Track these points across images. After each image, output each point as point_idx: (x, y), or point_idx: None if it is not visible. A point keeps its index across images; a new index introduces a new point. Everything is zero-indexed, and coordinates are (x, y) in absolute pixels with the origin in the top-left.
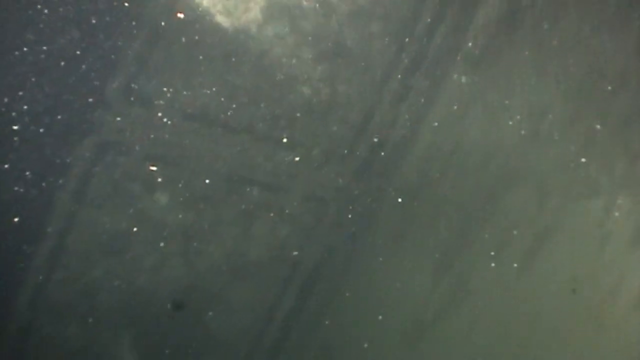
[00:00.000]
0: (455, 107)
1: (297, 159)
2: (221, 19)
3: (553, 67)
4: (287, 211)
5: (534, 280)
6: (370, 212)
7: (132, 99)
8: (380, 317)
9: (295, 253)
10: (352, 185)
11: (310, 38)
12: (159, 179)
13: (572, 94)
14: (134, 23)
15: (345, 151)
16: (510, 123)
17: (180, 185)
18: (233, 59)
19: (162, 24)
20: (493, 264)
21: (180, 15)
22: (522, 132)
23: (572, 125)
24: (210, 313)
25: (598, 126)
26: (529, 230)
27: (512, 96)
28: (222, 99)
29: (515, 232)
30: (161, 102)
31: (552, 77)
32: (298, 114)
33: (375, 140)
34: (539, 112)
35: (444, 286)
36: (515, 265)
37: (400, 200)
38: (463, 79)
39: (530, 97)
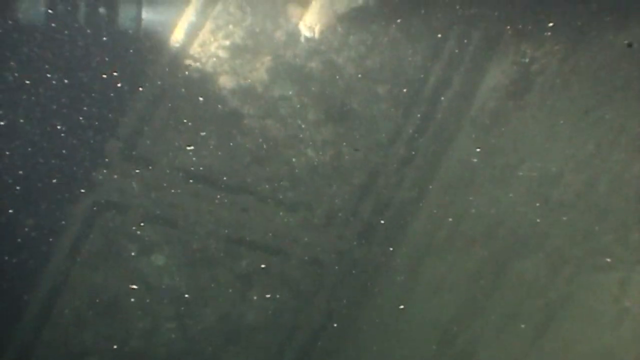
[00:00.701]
0: (463, 172)
1: (298, 221)
2: (226, 79)
3: (565, 133)
4: (286, 274)
5: (545, 356)
6: (372, 278)
7: (132, 158)
8: None
9: (293, 318)
10: (354, 250)
11: (315, 100)
12: (156, 240)
13: (585, 161)
14: (138, 82)
15: (348, 214)
16: (521, 189)
17: (177, 246)
18: (237, 119)
19: (166, 83)
20: (501, 337)
21: (185, 75)
22: (533, 198)
23: (585, 193)
24: None
25: (613, 194)
26: (540, 302)
27: (523, 162)
28: (225, 159)
29: (525, 304)
30: (163, 162)
31: (564, 143)
32: (301, 176)
33: (380, 202)
34: (551, 179)
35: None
36: (525, 339)
37: (403, 266)
38: (471, 144)
39: (542, 163)
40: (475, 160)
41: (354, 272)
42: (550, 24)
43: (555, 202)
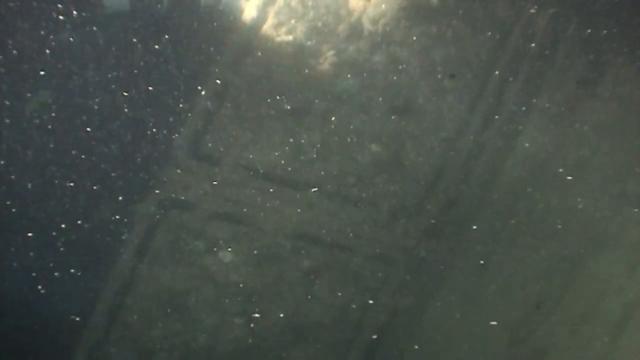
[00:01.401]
0: (532, 166)
1: (363, 217)
2: (290, 75)
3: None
4: (352, 271)
5: (622, 358)
6: (439, 274)
7: (198, 155)
8: None
9: (359, 315)
10: (420, 246)
11: (380, 94)
12: (224, 237)
13: None
14: (200, 79)
15: (414, 210)
16: (596, 183)
17: (244, 243)
18: (301, 115)
19: (230, 80)
20: (575, 338)
21: (249, 71)
22: (610, 192)
23: None
24: None
25: None
26: (618, 301)
27: (595, 153)
28: (290, 156)
29: (601, 303)
30: (228, 159)
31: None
32: (366, 171)
33: (446, 198)
34: (627, 172)
35: (520, 359)
36: (601, 340)
37: (473, 262)
38: (538, 136)
39: (616, 157)
40: (545, 153)
41: (419, 269)
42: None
43: (633, 196)
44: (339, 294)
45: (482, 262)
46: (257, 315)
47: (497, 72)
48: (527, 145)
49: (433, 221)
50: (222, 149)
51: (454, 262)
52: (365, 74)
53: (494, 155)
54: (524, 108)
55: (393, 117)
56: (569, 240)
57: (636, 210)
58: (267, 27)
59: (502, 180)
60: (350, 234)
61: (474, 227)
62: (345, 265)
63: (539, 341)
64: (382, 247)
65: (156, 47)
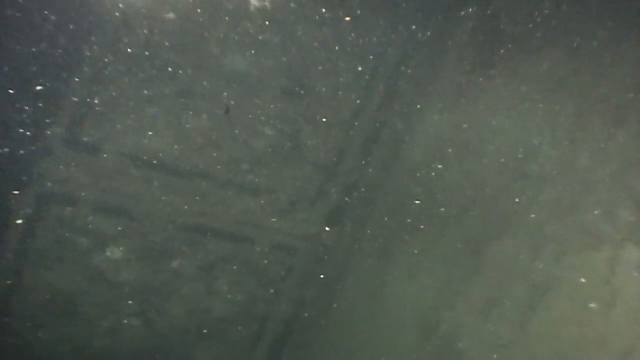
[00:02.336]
0: (433, 148)
1: (261, 206)
2: (174, 56)
3: (543, 102)
4: (253, 263)
5: (533, 341)
6: (344, 262)
7: (76, 145)
8: None
9: (264, 308)
10: (323, 234)
11: (274, 74)
12: (112, 232)
13: (567, 132)
14: (74, 62)
15: (314, 196)
16: (496, 163)
17: (134, 238)
18: (187, 98)
19: (111, 62)
20: (486, 323)
21: (129, 52)
22: (510, 173)
23: (568, 167)
24: None
25: (598, 169)
26: (525, 284)
27: (497, 134)
28: (176, 142)
29: (509, 287)
30: (110, 148)
31: (543, 112)
32: (262, 157)
33: (347, 183)
34: (528, 152)
35: (430, 347)
36: (511, 324)
37: (377, 249)
38: (438, 117)
39: (517, 133)
40: (445, 135)
41: (323, 257)
42: None
43: (534, 177)
44: (241, 288)
45: (386, 248)
46: (154, 314)
47: (393, 52)
48: (426, 125)
49: (334, 208)
50: (102, 138)
51: (359, 249)
52: (256, 54)
53: (394, 138)
54: (423, 89)
55: (288, 99)
56: (474, 224)
57: (538, 189)
58: (148, 2)
59: (404, 163)
60: (248, 225)
61: (377, 212)
62: (246, 258)
63: (450, 328)
64: (283, 237)
65: (26, 30)
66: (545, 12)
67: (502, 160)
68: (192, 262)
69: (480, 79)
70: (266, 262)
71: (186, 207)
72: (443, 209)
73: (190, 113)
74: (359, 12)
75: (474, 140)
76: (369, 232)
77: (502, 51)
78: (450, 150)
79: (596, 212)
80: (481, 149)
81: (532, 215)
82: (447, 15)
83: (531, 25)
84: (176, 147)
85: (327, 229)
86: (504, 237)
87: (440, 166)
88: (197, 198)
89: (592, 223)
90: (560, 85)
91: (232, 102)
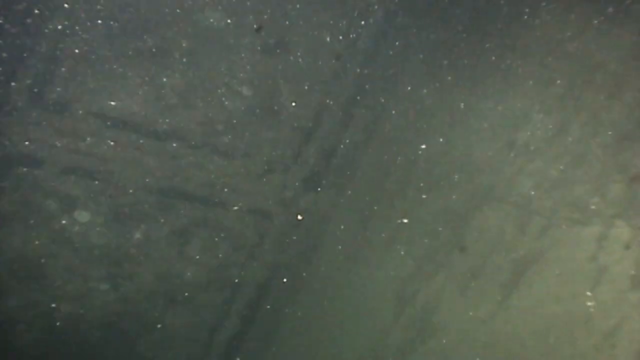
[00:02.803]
0: (414, 113)
1: (236, 168)
2: (145, 11)
3: (534, 71)
4: (226, 227)
5: (513, 317)
6: (320, 228)
7: (43, 104)
8: (332, 348)
9: (237, 273)
10: (299, 198)
11: (253, 28)
12: (80, 194)
13: (558, 103)
14: (45, 14)
15: (291, 159)
16: (482, 132)
17: (102, 201)
18: (159, 56)
19: (81, 15)
20: (465, 296)
21: (100, 7)
22: (497, 143)
23: (557, 138)
24: (145, 342)
25: (589, 141)
26: (507, 258)
27: (484, 101)
28: (148, 101)
29: (490, 260)
30: (78, 107)
31: (533, 82)
32: (236, 118)
33: (325, 146)
34: (516, 121)
35: (407, 319)
36: (491, 298)
37: (354, 216)
38: (423, 81)
39: (505, 102)
40: (430, 99)
41: (299, 223)
42: None
43: (521, 147)
44: (214, 252)
45: (363, 215)
46: (124, 279)
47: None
48: (409, 88)
49: (312, 172)
50: (70, 96)
51: (336, 215)
52: (232, 8)
53: (375, 100)
54: (405, 48)
55: (265, 57)
56: (455, 193)
57: (526, 160)
58: None
59: (385, 128)
60: (222, 188)
61: (355, 177)
62: (219, 222)
63: (427, 299)
64: (258, 201)
65: None
66: None
67: (488, 128)
68: (162, 226)
69: (470, 44)
70: (240, 226)
71: (157, 169)
72: (425, 179)
73: (163, 71)
74: None
75: (460, 108)
76: (347, 198)
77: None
78: (434, 119)
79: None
80: (468, 118)
81: (519, 187)
82: None
83: None
84: (147, 106)
85: (303, 193)
86: (487, 208)
87: (423, 134)
88: (169, 159)
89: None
90: (553, 52)
91: (207, 60)
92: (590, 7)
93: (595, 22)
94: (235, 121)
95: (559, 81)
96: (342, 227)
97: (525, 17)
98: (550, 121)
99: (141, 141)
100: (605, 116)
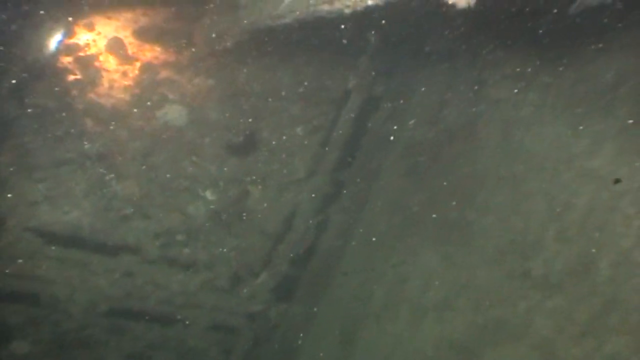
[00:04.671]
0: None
1: (199, 283)
2: (93, 108)
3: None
4: (188, 347)
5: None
6: (293, 343)
7: None
8: None
9: None
10: (269, 310)
11: (215, 129)
12: (18, 322)
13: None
14: None
15: (261, 267)
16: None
17: (44, 328)
18: (109, 159)
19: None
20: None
21: (38, 103)
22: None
23: None
24: None
25: None
26: None
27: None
28: (97, 212)
29: None
30: (12, 221)
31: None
32: (199, 226)
33: (299, 252)
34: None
35: None
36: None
37: (332, 328)
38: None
39: None
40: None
41: (269, 337)
42: None
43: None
44: None
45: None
46: None
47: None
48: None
49: (283, 280)
50: (5, 208)
51: (312, 328)
52: (194, 104)
53: (353, 201)
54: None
55: (232, 156)
56: None
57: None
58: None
59: (365, 231)
60: (183, 305)
61: (333, 287)
62: (180, 342)
63: None
64: (224, 316)
65: None
66: None
67: None
68: (115, 352)
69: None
70: (203, 345)
71: (108, 288)
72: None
73: (113, 177)
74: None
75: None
76: (324, 309)
77: None
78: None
79: None
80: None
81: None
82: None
83: None
84: (96, 218)
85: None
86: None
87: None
88: (122, 277)
89: None
90: None
91: (167, 161)
92: None
93: None
94: (197, 230)
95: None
96: (319, 338)
97: None
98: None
99: (89, 258)
100: None
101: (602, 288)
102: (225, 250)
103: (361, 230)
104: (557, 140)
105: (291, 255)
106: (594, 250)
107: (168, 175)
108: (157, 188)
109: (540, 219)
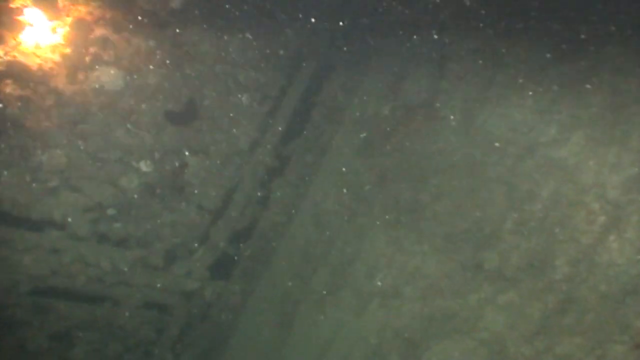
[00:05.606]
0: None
1: (130, 260)
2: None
3: None
4: (117, 326)
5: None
6: (229, 321)
7: None
8: None
9: None
10: (205, 289)
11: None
12: None
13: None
14: None
15: (197, 244)
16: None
17: None
18: (34, 128)
19: None
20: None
21: None
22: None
23: None
24: None
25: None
26: None
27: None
28: (20, 184)
29: None
30: None
31: None
32: (132, 200)
33: (238, 228)
34: None
35: None
36: None
37: (269, 307)
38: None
39: None
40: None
41: (205, 315)
42: None
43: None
44: (102, 355)
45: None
46: None
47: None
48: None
49: (221, 258)
50: None
51: (248, 306)
52: (131, 67)
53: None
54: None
55: (169, 125)
56: None
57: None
58: None
59: (309, 208)
60: (114, 284)
61: (272, 265)
62: (109, 321)
63: None
64: (157, 295)
65: None
66: None
67: None
68: (38, 332)
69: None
70: (134, 324)
71: (32, 266)
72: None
73: (38, 145)
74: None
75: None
76: (261, 287)
77: None
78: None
79: None
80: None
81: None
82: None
83: None
84: (19, 189)
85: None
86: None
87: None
88: (47, 254)
89: None
90: None
91: (98, 129)
92: None
93: None
94: (130, 204)
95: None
96: (255, 319)
97: None
98: None
99: (12, 233)
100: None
101: (558, 285)
102: (159, 225)
103: (306, 207)
104: (523, 125)
105: (230, 231)
106: (552, 246)
107: (99, 145)
108: (86, 158)
109: (498, 208)
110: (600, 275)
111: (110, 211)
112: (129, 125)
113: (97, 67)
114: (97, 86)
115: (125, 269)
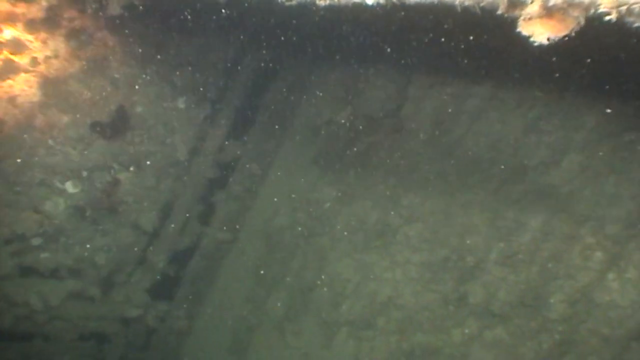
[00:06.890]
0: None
1: (63, 291)
2: None
3: None
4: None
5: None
6: (175, 345)
7: None
8: None
9: None
10: (147, 313)
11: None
12: None
13: None
14: None
15: (134, 267)
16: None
17: None
18: None
19: None
20: None
21: None
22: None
23: None
24: None
25: None
26: None
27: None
28: None
29: None
30: None
31: None
32: (58, 225)
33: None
34: None
35: None
36: None
37: (215, 329)
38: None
39: None
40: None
41: (147, 341)
42: None
43: None
44: None
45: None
46: None
47: None
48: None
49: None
50: None
51: (194, 328)
52: (49, 73)
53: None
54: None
55: (99, 139)
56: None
57: None
58: None
59: (255, 223)
60: (47, 319)
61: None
62: (44, 357)
63: None
64: (94, 324)
65: None
66: None
67: None
68: None
69: None
70: (72, 356)
71: None
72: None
73: None
74: None
75: None
76: (206, 308)
77: None
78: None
79: None
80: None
81: None
82: None
83: None
84: None
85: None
86: None
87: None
88: None
89: None
90: None
91: (14, 149)
92: None
93: None
94: (58, 230)
95: None
96: (204, 344)
97: None
98: None
99: None
100: None
101: (554, 325)
102: (92, 250)
103: (255, 224)
104: (506, 143)
105: (170, 251)
106: (545, 282)
107: (16, 167)
108: (2, 183)
109: (481, 237)
110: (601, 317)
111: (36, 241)
112: (50, 142)
113: (9, 74)
114: (9, 97)
115: (57, 304)
